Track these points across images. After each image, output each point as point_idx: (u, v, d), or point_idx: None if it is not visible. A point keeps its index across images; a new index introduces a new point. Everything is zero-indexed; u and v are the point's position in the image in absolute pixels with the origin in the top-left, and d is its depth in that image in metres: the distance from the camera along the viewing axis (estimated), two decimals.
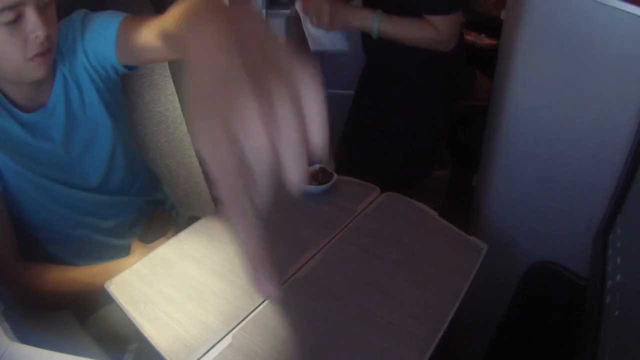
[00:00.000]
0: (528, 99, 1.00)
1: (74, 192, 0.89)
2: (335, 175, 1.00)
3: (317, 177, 1.01)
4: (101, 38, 0.84)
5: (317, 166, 1.03)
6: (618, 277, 0.69)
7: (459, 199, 1.52)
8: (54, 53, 0.79)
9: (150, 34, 0.73)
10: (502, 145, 1.09)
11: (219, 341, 0.67)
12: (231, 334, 0.69)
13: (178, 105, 1.27)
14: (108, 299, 0.77)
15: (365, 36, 1.40)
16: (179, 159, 1.29)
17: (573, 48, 0.87)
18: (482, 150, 1.23)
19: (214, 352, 0.66)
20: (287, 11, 1.56)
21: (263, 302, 0.74)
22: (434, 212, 0.96)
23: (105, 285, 0.77)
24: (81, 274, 0.87)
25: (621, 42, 0.79)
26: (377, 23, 1.15)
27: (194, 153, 1.30)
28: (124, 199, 1.00)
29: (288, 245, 0.86)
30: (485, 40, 2.26)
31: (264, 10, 1.41)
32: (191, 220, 1.12)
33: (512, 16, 1.04)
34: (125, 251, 0.99)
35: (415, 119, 1.22)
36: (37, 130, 0.83)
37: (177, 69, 1.25)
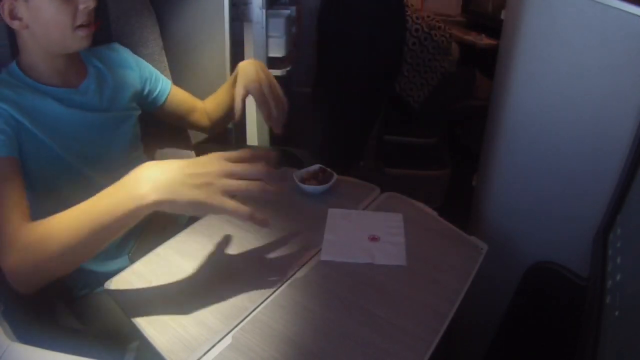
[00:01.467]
0: (528, 99, 1.00)
1: (97, 178, 0.92)
2: (336, 175, 1.00)
3: (317, 176, 1.00)
4: (156, 87, 1.09)
5: (317, 166, 1.03)
6: (618, 277, 0.69)
7: (459, 199, 1.52)
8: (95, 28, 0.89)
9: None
10: (502, 145, 1.09)
11: (219, 341, 0.68)
12: (231, 334, 0.69)
13: None
14: (108, 297, 0.77)
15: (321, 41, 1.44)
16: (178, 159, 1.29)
17: (573, 48, 0.87)
18: (482, 150, 1.23)
19: (214, 352, 0.66)
20: (287, 11, 1.56)
21: (263, 302, 0.74)
22: (434, 212, 0.96)
23: (105, 285, 0.78)
24: (68, 215, 0.73)
25: (621, 42, 0.79)
26: None
27: (193, 154, 1.30)
28: None
29: (288, 245, 0.86)
30: (485, 40, 2.26)
31: (263, 11, 1.41)
32: (191, 220, 1.12)
33: (512, 16, 1.04)
34: (125, 249, 0.99)
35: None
36: (71, 102, 0.90)
37: (177, 73, 1.26)
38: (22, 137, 0.82)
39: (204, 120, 1.18)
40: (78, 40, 0.85)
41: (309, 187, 0.98)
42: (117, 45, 1.06)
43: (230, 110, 1.10)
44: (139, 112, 1.06)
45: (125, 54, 1.06)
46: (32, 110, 0.84)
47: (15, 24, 0.81)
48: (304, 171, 1.03)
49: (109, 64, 1.01)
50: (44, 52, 0.87)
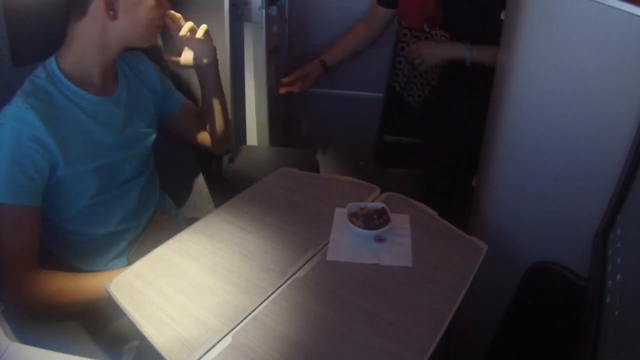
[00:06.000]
0: (528, 99, 1.00)
1: (114, 192, 0.95)
2: (390, 224, 0.87)
3: (371, 217, 0.89)
4: (169, 98, 1.12)
5: (379, 205, 0.91)
6: (618, 277, 0.69)
7: (459, 199, 1.52)
8: None
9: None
10: (502, 145, 1.09)
11: (219, 341, 0.68)
12: (231, 334, 0.69)
13: None
14: (108, 297, 0.77)
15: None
16: (178, 160, 1.29)
17: (573, 48, 0.87)
18: (482, 150, 1.23)
19: (214, 352, 0.66)
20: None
21: (263, 302, 0.74)
22: (434, 212, 0.96)
23: (105, 285, 0.78)
24: (81, 284, 0.85)
25: (621, 42, 0.79)
26: (468, 53, 1.33)
27: (193, 153, 1.30)
28: (143, 194, 1.03)
29: (288, 245, 0.86)
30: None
31: (263, 11, 1.41)
32: (191, 220, 1.12)
33: (512, 16, 1.04)
34: (126, 250, 1.00)
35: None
36: (102, 114, 0.92)
37: (177, 73, 1.25)
38: (59, 161, 0.83)
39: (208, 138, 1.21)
40: (155, 38, 0.96)
41: (353, 227, 0.87)
42: (145, 57, 1.08)
43: (206, 113, 1.15)
44: (155, 131, 1.07)
45: (151, 69, 1.07)
46: (64, 131, 0.84)
47: (109, 14, 0.85)
48: (361, 205, 0.92)
49: (135, 72, 1.03)
50: (104, 48, 0.89)
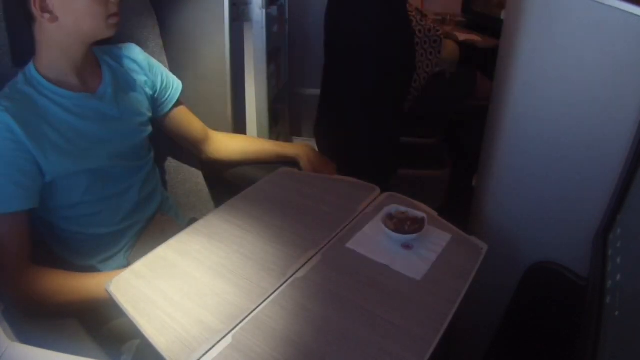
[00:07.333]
0: (528, 99, 1.00)
1: (109, 187, 0.95)
2: (418, 234, 0.86)
3: (404, 221, 0.88)
4: (167, 90, 1.10)
5: (419, 214, 0.90)
6: (618, 277, 0.69)
7: (459, 199, 1.52)
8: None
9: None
10: (502, 145, 1.09)
11: (219, 341, 0.68)
12: (231, 334, 0.69)
13: None
14: (110, 301, 0.77)
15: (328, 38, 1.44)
16: (178, 159, 1.29)
17: (573, 48, 0.87)
18: (482, 150, 1.23)
19: (214, 352, 0.66)
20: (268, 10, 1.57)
21: (263, 302, 0.74)
22: (434, 212, 0.96)
23: (105, 285, 0.78)
24: (81, 283, 0.85)
25: (621, 42, 0.79)
26: None
27: (193, 155, 1.30)
28: (143, 192, 1.03)
29: (288, 245, 0.86)
30: (485, 41, 2.27)
31: (263, 11, 1.41)
32: (191, 220, 1.12)
33: (512, 16, 1.04)
34: (126, 250, 0.99)
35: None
36: (87, 110, 0.91)
37: (177, 73, 1.25)
38: (40, 162, 0.83)
39: (211, 152, 1.19)
40: (109, 29, 0.88)
41: (382, 225, 0.87)
42: (132, 46, 1.06)
43: (252, 161, 1.20)
44: (150, 125, 1.06)
45: (138, 56, 1.05)
46: (44, 129, 0.84)
47: (45, 17, 0.82)
48: (403, 209, 0.91)
49: (123, 65, 1.01)
50: (64, 48, 0.87)
